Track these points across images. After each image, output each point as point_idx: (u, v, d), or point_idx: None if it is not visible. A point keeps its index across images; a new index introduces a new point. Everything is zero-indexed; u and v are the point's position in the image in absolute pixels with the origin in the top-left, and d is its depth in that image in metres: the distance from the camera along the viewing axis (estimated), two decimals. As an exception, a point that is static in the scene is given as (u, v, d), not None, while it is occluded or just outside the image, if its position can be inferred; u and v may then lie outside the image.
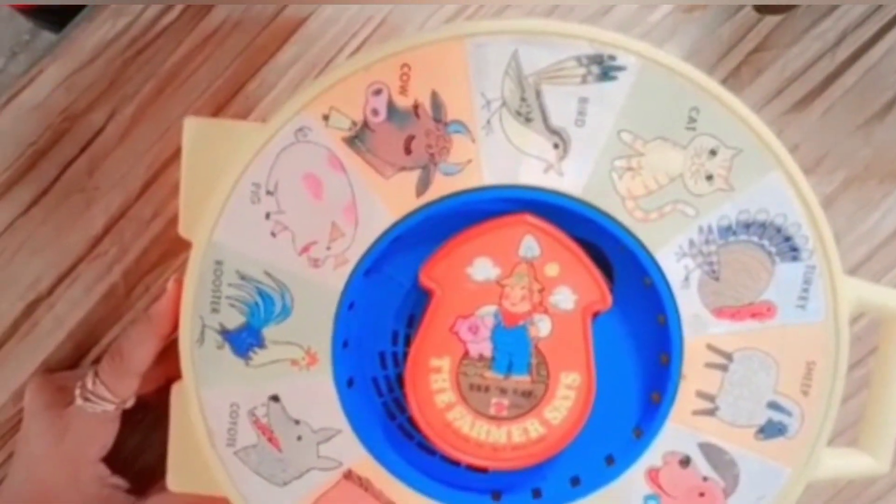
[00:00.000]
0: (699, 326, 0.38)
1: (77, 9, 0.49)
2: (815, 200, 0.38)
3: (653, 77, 0.37)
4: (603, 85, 0.37)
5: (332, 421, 0.39)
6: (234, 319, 0.39)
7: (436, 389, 0.39)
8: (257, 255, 0.38)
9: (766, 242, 0.38)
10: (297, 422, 0.39)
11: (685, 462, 0.39)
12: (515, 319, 0.38)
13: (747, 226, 0.38)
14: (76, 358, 0.50)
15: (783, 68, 0.49)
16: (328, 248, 0.38)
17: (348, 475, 0.39)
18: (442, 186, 0.38)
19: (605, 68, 0.37)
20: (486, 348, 0.38)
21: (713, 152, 0.37)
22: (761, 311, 0.38)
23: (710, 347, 0.39)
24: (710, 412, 0.39)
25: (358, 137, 0.37)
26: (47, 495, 0.44)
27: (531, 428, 0.39)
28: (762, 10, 0.48)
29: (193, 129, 0.40)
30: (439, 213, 0.38)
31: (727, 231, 0.38)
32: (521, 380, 0.39)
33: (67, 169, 0.49)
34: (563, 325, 0.38)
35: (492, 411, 0.39)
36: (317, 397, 0.39)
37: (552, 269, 0.38)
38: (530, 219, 0.38)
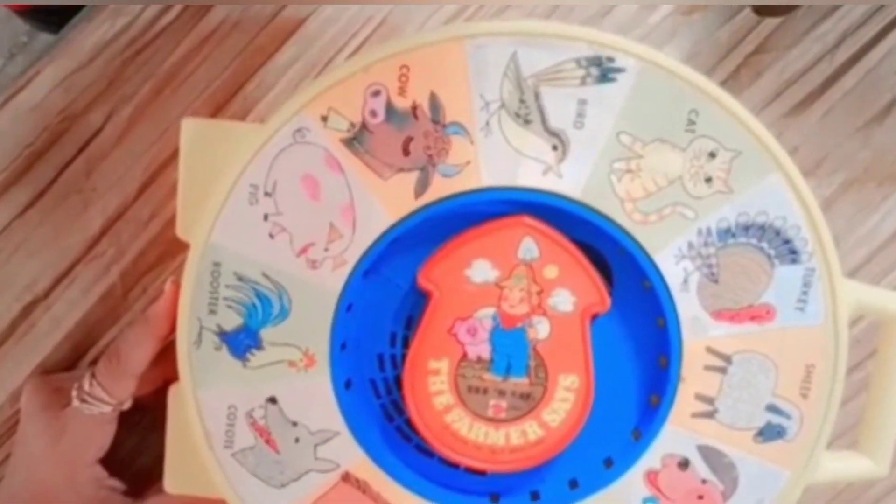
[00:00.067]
0: (698, 329, 0.38)
1: (74, 10, 0.49)
2: (814, 203, 0.38)
3: (652, 79, 0.37)
4: (602, 87, 0.37)
5: (330, 423, 0.39)
6: (232, 321, 0.38)
7: (434, 391, 0.39)
8: (255, 256, 0.38)
9: (765, 245, 0.38)
10: (294, 424, 0.39)
11: (684, 465, 0.39)
12: (514, 321, 0.38)
13: (746, 228, 0.38)
14: (73, 359, 0.50)
15: (782, 70, 0.49)
16: (326, 250, 0.38)
17: (346, 477, 0.39)
18: (440, 188, 0.37)
19: (604, 70, 0.37)
20: (485, 350, 0.38)
21: (712, 154, 0.37)
22: (760, 314, 0.38)
23: (710, 350, 0.39)
24: (709, 415, 0.39)
25: (356, 139, 0.37)
26: (44, 497, 0.44)
27: (529, 430, 0.39)
28: (761, 12, 0.48)
29: (191, 130, 0.40)
30: (438, 215, 0.38)
31: (726, 233, 0.38)
32: (520, 382, 0.39)
33: (65, 170, 0.48)
34: (561, 327, 0.38)
35: (490, 413, 0.39)
36: (314, 399, 0.39)
37: (551, 272, 0.38)
38: (529, 221, 0.38)
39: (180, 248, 0.40)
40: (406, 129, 0.37)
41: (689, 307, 0.38)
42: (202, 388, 0.39)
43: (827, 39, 0.49)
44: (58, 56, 0.48)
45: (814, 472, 0.39)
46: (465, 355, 0.38)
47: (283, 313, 0.38)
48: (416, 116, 0.37)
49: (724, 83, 0.48)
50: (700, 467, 0.39)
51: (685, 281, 0.38)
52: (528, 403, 0.39)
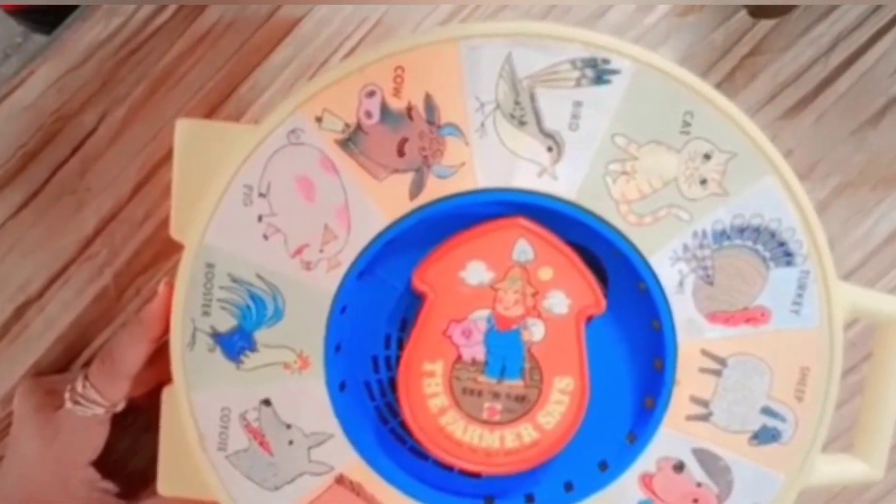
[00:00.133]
0: (693, 331, 0.38)
1: (68, 11, 0.49)
2: (809, 205, 0.38)
3: (647, 81, 0.37)
4: (597, 88, 0.37)
5: (324, 425, 0.39)
6: (226, 322, 0.38)
7: (429, 393, 0.38)
8: (249, 257, 0.38)
9: (760, 247, 0.38)
10: (288, 426, 0.39)
11: (679, 468, 0.39)
12: (509, 323, 0.38)
13: (741, 230, 0.38)
14: (66, 361, 0.50)
15: (777, 73, 0.49)
16: (321, 251, 0.38)
17: (340, 480, 0.39)
18: (435, 189, 0.37)
19: (599, 72, 0.37)
20: (480, 352, 0.38)
21: (707, 156, 0.37)
22: (755, 317, 0.38)
23: (705, 352, 0.39)
24: (704, 417, 0.39)
25: (351, 139, 0.37)
26: (37, 499, 0.44)
27: (524, 433, 0.39)
28: (756, 14, 0.48)
29: (186, 131, 0.40)
30: (433, 216, 0.38)
31: (721, 235, 0.38)
32: (515, 384, 0.39)
33: (59, 170, 0.48)
34: (556, 329, 0.38)
35: (485, 416, 0.39)
36: (309, 401, 0.39)
37: (546, 273, 0.38)
38: (524, 222, 0.38)
39: (174, 248, 0.40)
40: (401, 130, 0.37)
41: (683, 309, 0.38)
42: (196, 390, 0.39)
43: (821, 42, 0.49)
44: (51, 56, 0.48)
45: (809, 475, 0.39)
46: (459, 357, 0.38)
47: (278, 315, 0.38)
48: (410, 117, 0.37)
49: (718, 85, 0.48)
50: (695, 470, 0.39)
51: (680, 283, 0.38)
52: (522, 406, 0.39)
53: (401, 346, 0.40)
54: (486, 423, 0.39)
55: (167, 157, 0.47)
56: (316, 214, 0.38)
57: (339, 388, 0.39)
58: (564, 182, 0.37)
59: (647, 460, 0.39)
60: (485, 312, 0.38)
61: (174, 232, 0.39)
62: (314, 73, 0.48)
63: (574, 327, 0.38)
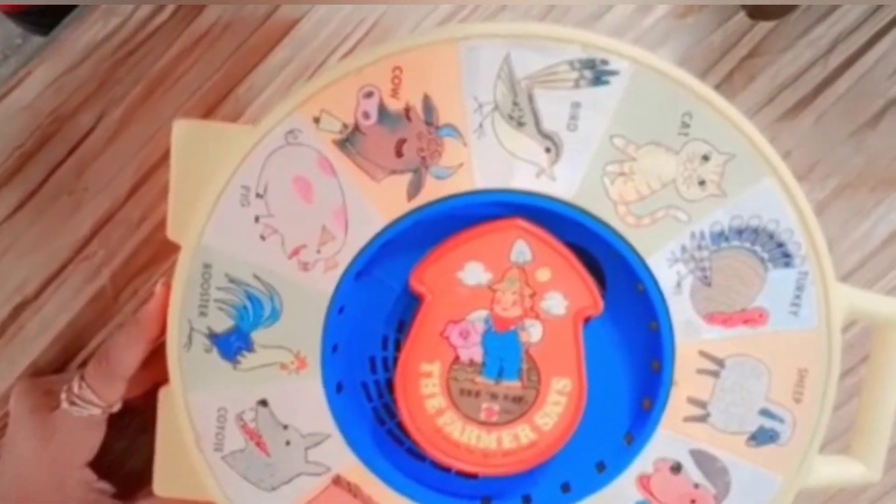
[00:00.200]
0: (691, 332, 0.38)
1: (66, 13, 0.49)
2: (807, 207, 0.38)
3: (646, 82, 0.37)
4: (596, 89, 0.37)
5: (321, 426, 0.39)
6: (223, 323, 0.38)
7: (426, 394, 0.38)
8: (246, 258, 0.38)
9: (758, 248, 0.38)
10: (285, 426, 0.39)
11: (676, 469, 0.39)
12: (506, 324, 0.38)
13: (740, 232, 0.38)
14: (63, 361, 0.50)
15: (776, 74, 0.49)
16: (318, 252, 0.38)
17: (337, 481, 0.39)
18: (433, 190, 0.37)
19: (597, 73, 0.37)
20: (477, 353, 0.38)
21: (706, 158, 0.37)
22: (753, 318, 0.38)
23: (702, 354, 0.38)
24: (702, 419, 0.39)
25: (349, 140, 0.37)
26: (33, 499, 0.44)
27: (522, 434, 0.39)
28: (755, 15, 0.48)
29: (183, 132, 0.40)
30: (430, 217, 0.37)
31: (719, 237, 0.38)
32: (512, 385, 0.38)
33: (55, 171, 0.48)
34: (554, 330, 0.38)
35: (482, 417, 0.39)
36: (306, 402, 0.39)
37: (544, 275, 0.38)
38: (522, 223, 0.38)
39: (171, 249, 0.40)
40: (399, 131, 0.37)
41: (681, 310, 0.38)
42: (192, 391, 0.39)
43: (820, 44, 0.49)
44: (49, 57, 0.48)
45: (806, 476, 0.39)
46: (457, 358, 0.38)
47: (275, 315, 0.38)
48: (408, 118, 0.37)
49: (717, 87, 0.48)
50: (692, 471, 0.39)
51: (678, 284, 0.38)
52: (520, 407, 0.39)
53: (398, 347, 0.40)
54: (483, 423, 0.39)
55: (164, 157, 0.47)
56: (313, 215, 0.38)
57: (336, 388, 0.39)
58: (563, 183, 0.37)
59: (644, 461, 0.39)
60: (482, 313, 0.38)
61: (171, 232, 0.39)
62: (312, 74, 0.48)
63: (572, 328, 0.38)
